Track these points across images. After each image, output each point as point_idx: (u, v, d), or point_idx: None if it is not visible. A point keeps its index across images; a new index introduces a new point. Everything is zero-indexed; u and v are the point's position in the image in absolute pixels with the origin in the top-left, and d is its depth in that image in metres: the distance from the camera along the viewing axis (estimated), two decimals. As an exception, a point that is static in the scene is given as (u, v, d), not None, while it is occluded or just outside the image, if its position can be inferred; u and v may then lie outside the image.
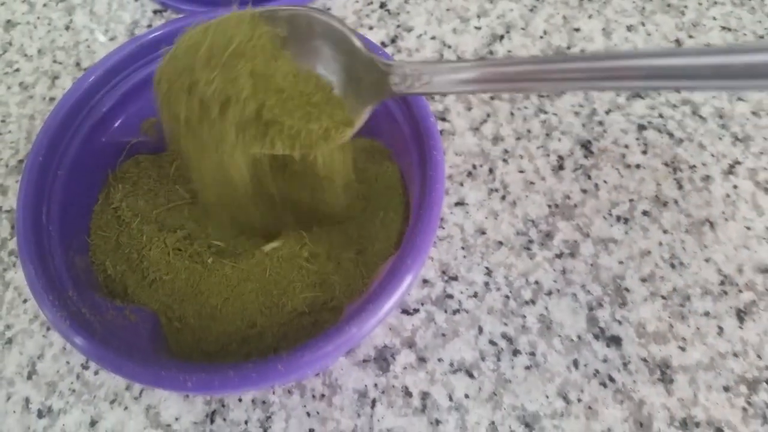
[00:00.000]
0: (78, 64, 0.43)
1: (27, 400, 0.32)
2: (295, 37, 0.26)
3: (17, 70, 0.43)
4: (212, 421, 0.31)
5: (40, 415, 0.32)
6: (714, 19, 0.41)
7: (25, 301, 0.35)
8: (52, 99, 0.41)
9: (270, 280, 0.29)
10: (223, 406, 0.31)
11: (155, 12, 0.44)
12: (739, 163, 0.36)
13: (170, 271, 0.29)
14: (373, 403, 0.31)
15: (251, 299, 0.29)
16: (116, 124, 0.32)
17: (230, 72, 0.24)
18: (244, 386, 0.23)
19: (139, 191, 0.32)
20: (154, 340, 0.27)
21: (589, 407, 0.30)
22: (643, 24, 0.41)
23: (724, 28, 0.40)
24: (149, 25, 0.44)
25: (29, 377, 0.33)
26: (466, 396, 0.31)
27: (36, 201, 0.28)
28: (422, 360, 0.32)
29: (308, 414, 0.31)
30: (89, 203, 0.32)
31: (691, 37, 0.40)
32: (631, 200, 0.36)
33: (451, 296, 0.34)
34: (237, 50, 0.24)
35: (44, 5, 0.46)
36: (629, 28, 0.41)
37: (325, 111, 0.26)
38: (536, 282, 0.34)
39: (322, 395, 0.31)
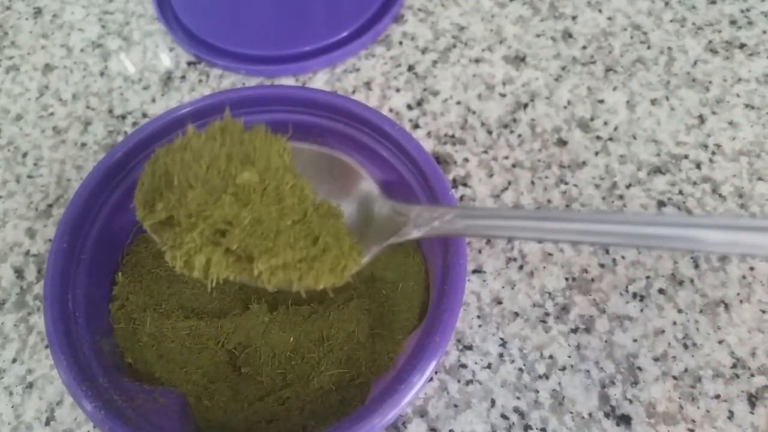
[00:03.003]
0: (111, 111, 0.44)
1: (46, 451, 0.33)
2: (313, 175, 0.27)
3: (52, 114, 0.44)
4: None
5: (58, 466, 0.32)
6: (738, 96, 0.41)
7: (46, 346, 0.36)
8: (83, 144, 0.43)
9: (295, 357, 0.29)
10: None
11: (189, 63, 0.46)
12: (756, 244, 0.37)
13: (191, 357, 0.30)
14: (385, 474, 0.31)
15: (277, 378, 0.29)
16: (130, 209, 0.33)
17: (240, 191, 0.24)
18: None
19: (143, 278, 0.32)
20: (183, 421, 0.28)
21: (598, 491, 0.31)
22: (667, 98, 0.41)
23: (747, 105, 0.41)
24: (183, 77, 0.45)
25: (47, 423, 0.34)
26: (477, 472, 0.31)
27: (62, 289, 0.29)
28: (433, 431, 0.32)
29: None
30: (111, 284, 0.33)
31: (714, 113, 0.41)
32: (647, 277, 0.36)
33: (465, 366, 0.34)
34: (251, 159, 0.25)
35: (81, 50, 0.47)
36: (653, 102, 0.41)
37: (337, 240, 0.25)
38: (551, 356, 0.34)
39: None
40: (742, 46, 0.43)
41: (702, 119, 0.41)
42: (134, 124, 0.43)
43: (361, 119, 0.33)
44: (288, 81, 0.44)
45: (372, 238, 0.26)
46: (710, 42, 0.44)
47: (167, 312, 0.31)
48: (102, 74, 0.46)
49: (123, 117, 0.43)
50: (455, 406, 0.33)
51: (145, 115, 0.43)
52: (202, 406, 0.29)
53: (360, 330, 0.30)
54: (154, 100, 0.44)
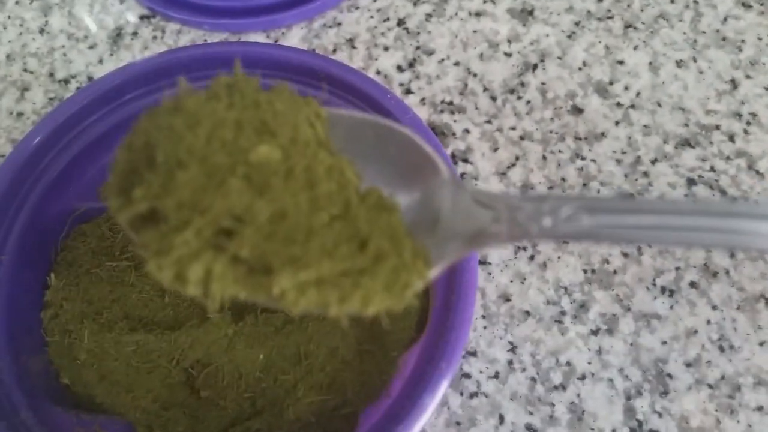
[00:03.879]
0: (51, 75, 0.38)
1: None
2: (353, 149, 0.19)
3: (-19, 77, 0.38)
4: None
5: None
6: (774, 56, 0.36)
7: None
8: (20, 114, 0.37)
9: (266, 379, 0.24)
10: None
11: (142, 18, 0.39)
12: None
13: (139, 378, 0.24)
14: None
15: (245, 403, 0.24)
16: (68, 192, 0.28)
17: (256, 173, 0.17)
18: None
19: (80, 281, 0.27)
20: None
21: None
22: (694, 59, 0.36)
23: (785, 67, 0.36)
24: (135, 33, 0.39)
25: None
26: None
27: None
28: (434, 456, 0.28)
29: None
30: (42, 288, 0.27)
31: (748, 77, 0.36)
32: (677, 268, 0.31)
33: (468, 376, 0.30)
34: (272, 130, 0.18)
35: (16, 3, 0.41)
36: (679, 64, 0.36)
37: (393, 244, 0.18)
38: (568, 363, 0.30)
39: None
40: (778, -2, 0.38)
41: (734, 84, 0.36)
42: (79, 88, 0.37)
43: (346, 85, 0.27)
44: (258, 38, 0.38)
45: (443, 242, 0.18)
46: (742, -7, 0.38)
47: (109, 323, 0.26)
48: (41, 31, 0.39)
49: (66, 81, 0.37)
50: (457, 423, 0.29)
51: (91, 78, 0.37)
52: None
53: (345, 346, 0.25)
54: (101, 61, 0.38)
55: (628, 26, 0.38)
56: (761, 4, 0.38)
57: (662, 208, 0.17)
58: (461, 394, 0.29)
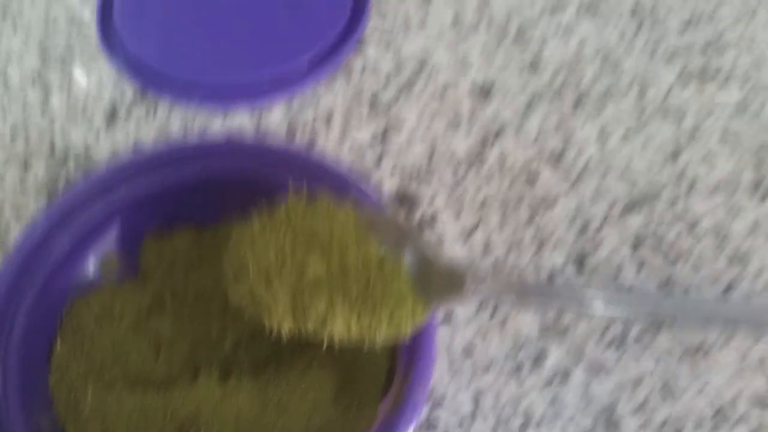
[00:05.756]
0: (52, 151, 0.41)
1: None
2: (375, 235, 0.28)
3: (-13, 152, 0.41)
4: None
5: None
6: (712, 127, 0.40)
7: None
8: (23, 187, 0.40)
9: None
10: None
11: (136, 95, 0.43)
12: (735, 285, 0.35)
13: (138, 430, 0.27)
14: None
15: None
16: (72, 269, 0.31)
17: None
18: None
19: (84, 344, 0.30)
20: None
21: None
22: (640, 130, 0.40)
23: (723, 137, 0.40)
24: (129, 110, 0.42)
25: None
26: None
27: None
28: (403, 500, 0.30)
29: None
30: (49, 354, 0.30)
31: (689, 146, 0.39)
32: (624, 323, 0.34)
33: (435, 425, 0.32)
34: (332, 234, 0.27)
35: (20, 83, 0.44)
36: (625, 135, 0.40)
37: (408, 294, 0.27)
38: (525, 411, 0.32)
39: None
40: (716, 73, 0.42)
41: (677, 152, 0.39)
42: (77, 164, 0.40)
43: (320, 174, 0.31)
44: (243, 114, 0.42)
45: (432, 296, 0.27)
46: (683, 69, 0.42)
47: (110, 382, 0.29)
48: (43, 109, 0.43)
49: (65, 157, 0.40)
50: (425, 470, 0.31)
51: (88, 154, 0.40)
52: None
53: (325, 399, 0.28)
54: (98, 137, 0.41)
55: (578, 101, 0.41)
56: (700, 79, 0.42)
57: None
58: (429, 442, 0.32)
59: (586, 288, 0.27)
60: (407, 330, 0.26)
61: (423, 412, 0.32)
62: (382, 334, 0.26)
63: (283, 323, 0.26)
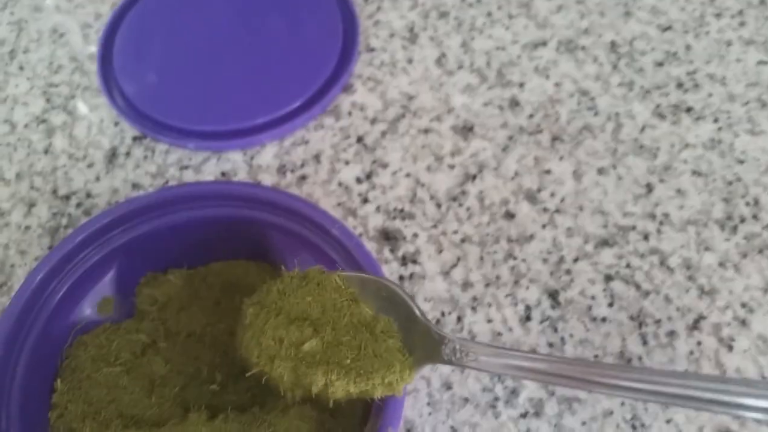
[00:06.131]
0: (55, 192, 0.43)
1: None
2: (363, 297, 0.30)
3: (-5, 194, 0.44)
4: None
5: None
6: (685, 162, 0.42)
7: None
8: (27, 227, 0.42)
9: None
10: None
11: (134, 138, 0.45)
12: (704, 317, 0.37)
13: None
14: None
15: None
16: (70, 311, 0.33)
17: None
18: None
19: (82, 385, 0.32)
20: None
21: None
22: (614, 167, 0.42)
23: (695, 172, 0.41)
24: (128, 153, 0.44)
25: None
26: None
27: None
28: None
29: None
30: (50, 391, 0.32)
31: (662, 181, 0.41)
32: (596, 356, 0.36)
33: (415, 457, 0.34)
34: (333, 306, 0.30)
35: (25, 126, 0.46)
36: (600, 171, 0.42)
37: (397, 358, 0.29)
38: (500, 443, 0.34)
39: None
40: (688, 110, 0.44)
41: (649, 188, 0.41)
42: (78, 204, 0.42)
43: (299, 214, 0.33)
44: (236, 155, 0.44)
45: (417, 357, 0.29)
46: (658, 106, 0.44)
47: (106, 421, 0.31)
48: (46, 152, 0.45)
49: (67, 197, 0.43)
50: (405, 500, 0.33)
51: (89, 195, 0.43)
52: None
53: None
54: (98, 179, 0.43)
55: (555, 138, 0.43)
56: (674, 115, 0.44)
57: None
58: (408, 473, 0.34)
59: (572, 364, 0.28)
60: (400, 389, 0.28)
61: (403, 444, 0.34)
62: (378, 394, 0.28)
63: (294, 392, 0.29)
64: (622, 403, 0.35)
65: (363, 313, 0.30)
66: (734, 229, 0.39)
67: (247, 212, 0.34)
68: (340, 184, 0.42)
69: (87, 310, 0.34)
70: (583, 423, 0.34)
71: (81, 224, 0.33)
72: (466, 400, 0.35)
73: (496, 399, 0.35)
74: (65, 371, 0.32)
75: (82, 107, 0.47)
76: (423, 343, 0.29)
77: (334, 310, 0.30)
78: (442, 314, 0.38)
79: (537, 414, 0.35)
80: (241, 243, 0.35)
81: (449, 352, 0.28)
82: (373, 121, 0.44)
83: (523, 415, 0.35)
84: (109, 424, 0.31)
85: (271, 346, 0.29)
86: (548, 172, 0.42)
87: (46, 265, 0.31)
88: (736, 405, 0.25)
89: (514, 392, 0.35)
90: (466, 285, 0.38)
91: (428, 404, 0.35)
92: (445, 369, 0.36)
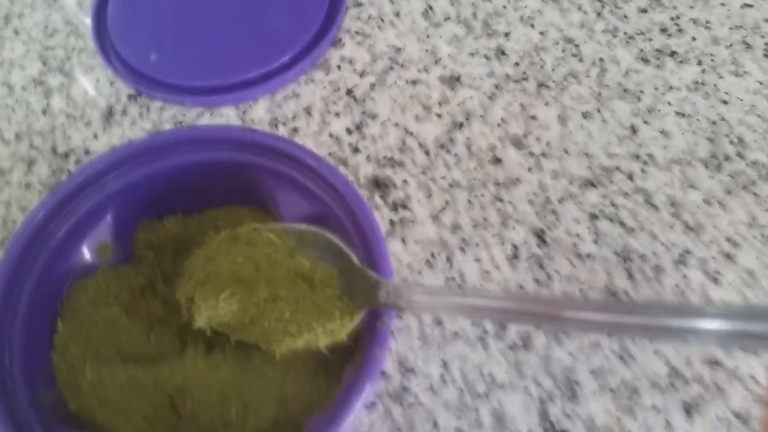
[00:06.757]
0: (54, 150, 0.44)
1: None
2: (302, 247, 0.31)
3: (-5, 154, 0.45)
4: None
5: None
6: (669, 104, 0.42)
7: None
8: (28, 185, 0.43)
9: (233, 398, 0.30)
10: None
11: (130, 97, 0.46)
12: (689, 252, 0.38)
13: (131, 402, 0.30)
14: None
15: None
16: (70, 253, 0.34)
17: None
18: None
19: (82, 326, 0.33)
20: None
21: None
22: (599, 110, 0.42)
23: (678, 113, 0.42)
24: (124, 111, 0.45)
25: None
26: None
27: None
28: (377, 457, 0.33)
29: None
30: (51, 333, 0.33)
31: (646, 123, 0.42)
32: (581, 290, 0.37)
33: (408, 390, 0.35)
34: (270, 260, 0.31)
35: (23, 88, 0.47)
36: (585, 115, 0.42)
37: (337, 306, 0.30)
38: (490, 375, 0.35)
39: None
40: (672, 53, 0.44)
41: (634, 130, 0.42)
42: (77, 161, 0.43)
43: (289, 156, 0.33)
44: (229, 110, 0.45)
45: (357, 302, 0.30)
46: (641, 51, 0.44)
47: (106, 359, 0.32)
48: (44, 112, 0.46)
49: (66, 155, 0.44)
50: (398, 430, 0.34)
51: (87, 152, 0.44)
52: None
53: (296, 365, 0.31)
54: (96, 136, 0.44)
55: (540, 85, 0.44)
56: (657, 59, 0.44)
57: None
58: (402, 405, 0.35)
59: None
60: (343, 335, 0.30)
61: (397, 380, 0.35)
62: (321, 343, 0.29)
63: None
64: (609, 335, 0.35)
65: (300, 265, 0.31)
66: (719, 167, 0.40)
67: (238, 155, 0.35)
68: (331, 136, 0.43)
69: (86, 254, 0.34)
70: (570, 353, 0.35)
71: (77, 169, 0.34)
72: (456, 334, 0.36)
73: (485, 332, 0.36)
74: (66, 313, 0.33)
75: (78, 68, 0.48)
76: (362, 288, 0.30)
77: (268, 265, 0.31)
78: (432, 256, 0.39)
79: (525, 346, 0.35)
80: (235, 188, 0.36)
81: (385, 294, 0.29)
82: (362, 74, 0.45)
83: (512, 347, 0.36)
84: (109, 361, 0.32)
85: (212, 316, 0.31)
86: (534, 117, 0.42)
87: (44, 206, 0.32)
88: (689, 330, 0.24)
89: (502, 326, 0.36)
90: (455, 228, 0.39)
91: (419, 339, 0.36)
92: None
